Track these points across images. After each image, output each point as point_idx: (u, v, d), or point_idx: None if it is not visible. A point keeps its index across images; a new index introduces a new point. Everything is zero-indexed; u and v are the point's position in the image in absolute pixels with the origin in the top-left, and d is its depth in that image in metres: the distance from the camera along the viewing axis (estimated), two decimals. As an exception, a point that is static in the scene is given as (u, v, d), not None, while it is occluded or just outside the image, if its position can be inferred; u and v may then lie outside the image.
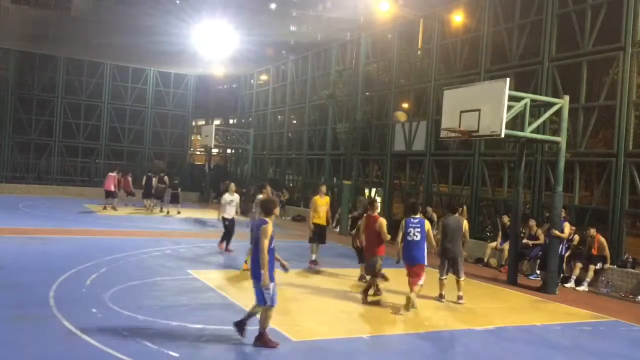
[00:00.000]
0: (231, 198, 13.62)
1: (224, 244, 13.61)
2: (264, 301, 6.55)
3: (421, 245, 9.14)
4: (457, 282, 9.80)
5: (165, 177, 22.92)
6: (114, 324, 7.07)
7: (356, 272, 11.27)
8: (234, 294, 9.33)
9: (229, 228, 13.53)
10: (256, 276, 6.57)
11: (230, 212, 13.57)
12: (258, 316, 6.75)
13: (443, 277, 9.86)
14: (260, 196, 11.60)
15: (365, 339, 7.30)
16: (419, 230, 9.14)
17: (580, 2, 13.68)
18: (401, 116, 11.02)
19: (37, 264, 10.62)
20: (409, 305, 8.70)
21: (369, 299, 9.35)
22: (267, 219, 6.68)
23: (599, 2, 13.24)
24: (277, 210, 6.95)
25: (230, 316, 7.93)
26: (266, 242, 6.47)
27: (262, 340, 6.60)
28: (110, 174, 21.77)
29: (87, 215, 20.03)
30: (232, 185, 14.06)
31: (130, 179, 23.98)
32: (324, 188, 13.12)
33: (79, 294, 8.50)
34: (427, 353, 7.08)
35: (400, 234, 9.26)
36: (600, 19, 13.10)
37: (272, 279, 6.52)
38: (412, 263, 9.16)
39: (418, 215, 9.43)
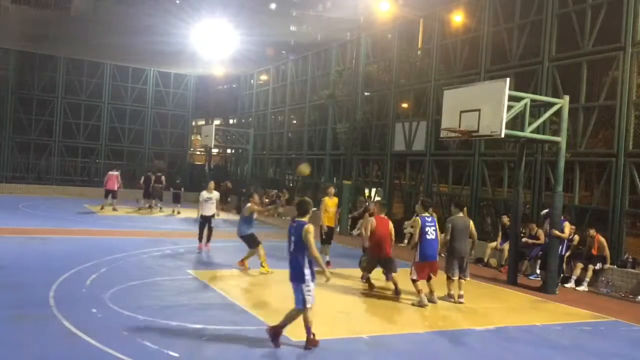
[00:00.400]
0: (208, 196, 13.44)
1: (203, 243, 13.47)
2: (303, 303, 6.52)
3: (437, 243, 9.50)
4: (460, 281, 9.82)
5: (162, 177, 22.89)
6: (114, 324, 7.07)
7: (357, 271, 11.26)
8: (234, 294, 9.33)
9: (201, 226, 13.41)
10: (297, 279, 6.58)
11: (208, 210, 13.40)
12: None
13: (454, 277, 9.84)
14: (249, 205, 11.57)
15: (365, 339, 7.29)
16: (434, 228, 9.44)
17: (580, 2, 13.68)
18: (304, 169, 10.93)
19: (37, 264, 10.62)
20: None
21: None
22: (304, 220, 6.71)
23: (599, 2, 13.24)
24: (311, 210, 7.06)
25: (230, 316, 7.95)
26: (312, 240, 6.55)
27: (313, 342, 6.62)
28: (110, 172, 21.69)
29: (87, 215, 20.03)
30: (211, 184, 13.90)
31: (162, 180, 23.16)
32: (332, 190, 13.17)
33: (79, 294, 8.50)
34: (427, 353, 7.08)
35: (417, 232, 9.35)
36: (600, 19, 13.09)
37: (313, 278, 6.60)
38: (433, 260, 9.41)
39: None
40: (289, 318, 6.65)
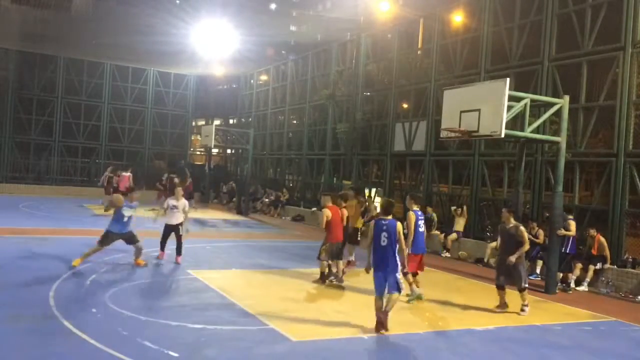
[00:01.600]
0: (175, 203, 11.76)
1: (165, 252, 12.10)
2: (398, 288, 7.51)
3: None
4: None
5: (176, 179, 22.76)
6: (114, 324, 7.07)
7: (358, 271, 11.26)
8: (234, 294, 9.32)
9: (164, 235, 11.92)
10: (393, 269, 7.52)
11: (174, 219, 11.75)
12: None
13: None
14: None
15: (365, 339, 7.29)
16: (423, 221, 9.88)
17: (580, 2, 13.68)
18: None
19: (37, 264, 10.62)
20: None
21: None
22: (390, 218, 7.71)
23: (599, 2, 13.24)
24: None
25: (230, 316, 7.95)
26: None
27: (386, 324, 7.47)
28: (124, 173, 21.54)
29: (87, 216, 20.00)
30: (179, 190, 12.28)
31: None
32: (351, 193, 12.97)
33: (79, 294, 8.50)
34: (427, 353, 7.07)
35: (413, 226, 9.52)
36: (600, 19, 13.10)
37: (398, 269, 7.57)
38: (424, 252, 9.87)
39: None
40: (393, 304, 7.57)
